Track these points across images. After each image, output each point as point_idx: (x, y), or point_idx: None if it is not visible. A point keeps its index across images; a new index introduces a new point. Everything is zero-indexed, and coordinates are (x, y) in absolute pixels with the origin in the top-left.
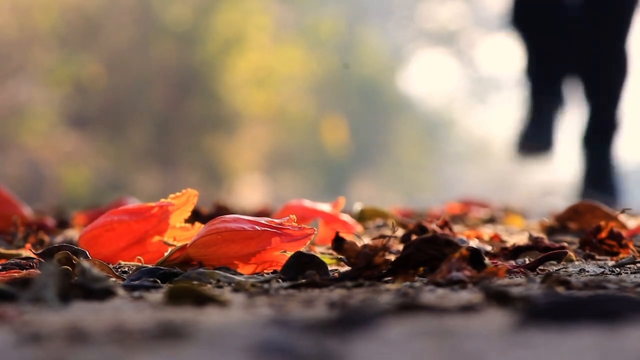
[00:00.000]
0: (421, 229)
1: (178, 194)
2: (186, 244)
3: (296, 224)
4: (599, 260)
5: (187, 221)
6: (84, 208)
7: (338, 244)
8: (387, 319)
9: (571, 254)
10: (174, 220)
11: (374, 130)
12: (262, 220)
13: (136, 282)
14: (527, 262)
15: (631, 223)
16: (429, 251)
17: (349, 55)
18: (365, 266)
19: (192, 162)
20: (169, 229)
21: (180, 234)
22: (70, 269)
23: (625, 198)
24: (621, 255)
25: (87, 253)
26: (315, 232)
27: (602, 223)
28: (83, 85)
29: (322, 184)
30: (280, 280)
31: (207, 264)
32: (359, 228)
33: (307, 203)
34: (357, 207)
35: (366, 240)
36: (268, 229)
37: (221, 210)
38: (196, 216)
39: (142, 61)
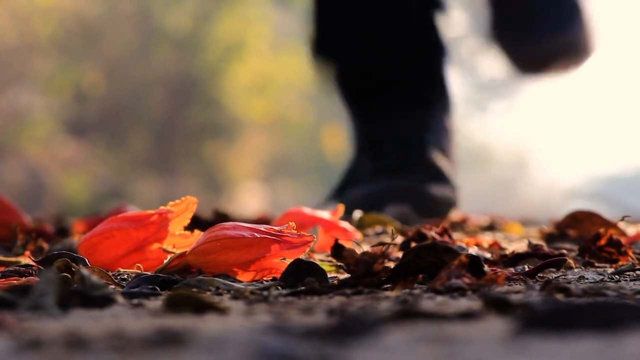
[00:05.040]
0: (420, 237)
1: (177, 201)
2: (185, 252)
3: (296, 231)
4: (598, 267)
5: (186, 228)
6: (83, 215)
7: (337, 251)
8: (386, 326)
9: (570, 261)
10: (173, 227)
11: None
12: (262, 227)
13: (135, 290)
14: (527, 269)
15: (630, 230)
16: (428, 258)
17: None
18: (365, 273)
19: (191, 169)
20: (169, 236)
21: (179, 241)
22: (70, 276)
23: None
24: (620, 263)
25: (87, 260)
26: (315, 239)
27: (602, 230)
28: (83, 92)
29: (321, 191)
30: (279, 287)
31: (206, 271)
32: (358, 235)
33: (307, 210)
34: (357, 214)
35: (365, 247)
36: (267, 237)
37: (221, 217)
38: (196, 223)
39: (141, 68)
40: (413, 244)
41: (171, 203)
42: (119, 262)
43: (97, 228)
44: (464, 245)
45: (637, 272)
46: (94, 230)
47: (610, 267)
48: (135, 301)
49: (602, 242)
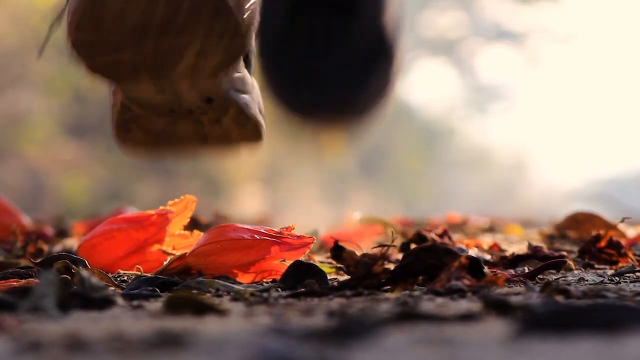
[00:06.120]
0: (420, 238)
1: (176, 200)
2: (185, 253)
3: (295, 233)
4: (598, 269)
5: (185, 229)
6: (83, 217)
7: (337, 252)
8: (386, 327)
9: (570, 262)
10: (173, 227)
11: (373, 139)
12: (261, 229)
13: (135, 291)
14: (527, 271)
15: (630, 232)
16: (428, 260)
17: None
18: (365, 275)
19: (191, 171)
20: (168, 236)
21: (179, 241)
22: (70, 278)
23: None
24: (620, 264)
25: (86, 262)
26: (315, 240)
27: (602, 232)
28: (82, 94)
29: (321, 193)
30: (279, 289)
31: (206, 272)
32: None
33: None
34: (356, 216)
35: (365, 249)
36: (267, 238)
37: (220, 219)
38: (195, 225)
39: None
40: (413, 246)
41: (170, 202)
42: (118, 264)
43: (97, 229)
44: (464, 246)
45: (637, 273)
46: (93, 232)
47: (610, 268)
48: (135, 303)
49: (602, 243)
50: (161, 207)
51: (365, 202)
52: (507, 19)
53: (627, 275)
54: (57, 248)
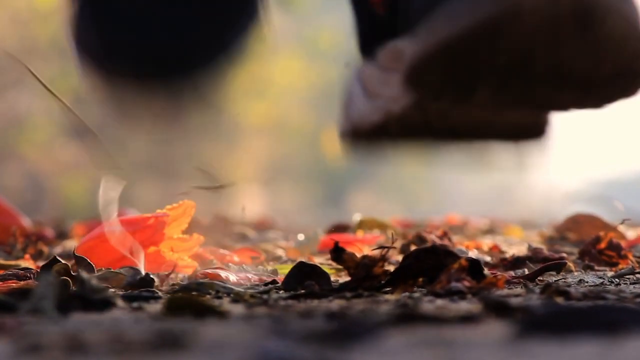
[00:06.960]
0: (420, 240)
1: (175, 205)
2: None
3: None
4: (598, 270)
5: (185, 232)
6: (83, 219)
7: (337, 254)
8: (386, 329)
9: (570, 264)
10: (171, 231)
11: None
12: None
13: (135, 293)
14: (527, 272)
15: (630, 234)
16: (428, 262)
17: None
18: (365, 277)
19: (191, 173)
20: (167, 239)
21: (178, 244)
22: (69, 279)
23: None
24: (620, 266)
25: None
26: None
27: (602, 233)
28: (83, 96)
29: (321, 195)
30: (279, 290)
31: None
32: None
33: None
34: (357, 217)
35: (365, 250)
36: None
37: (220, 221)
38: (196, 228)
39: None
40: (413, 247)
41: (168, 207)
42: (116, 266)
43: (94, 231)
44: (464, 248)
45: (637, 275)
46: (91, 234)
47: (610, 270)
48: (135, 304)
49: (602, 245)
50: (158, 211)
51: (365, 203)
52: None
53: (627, 276)
54: (57, 250)
